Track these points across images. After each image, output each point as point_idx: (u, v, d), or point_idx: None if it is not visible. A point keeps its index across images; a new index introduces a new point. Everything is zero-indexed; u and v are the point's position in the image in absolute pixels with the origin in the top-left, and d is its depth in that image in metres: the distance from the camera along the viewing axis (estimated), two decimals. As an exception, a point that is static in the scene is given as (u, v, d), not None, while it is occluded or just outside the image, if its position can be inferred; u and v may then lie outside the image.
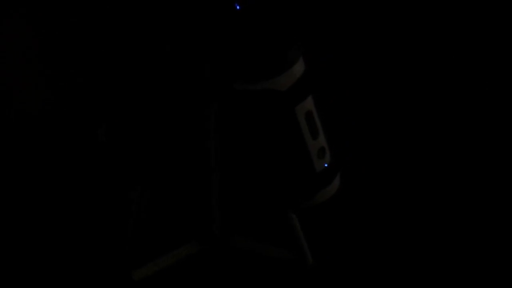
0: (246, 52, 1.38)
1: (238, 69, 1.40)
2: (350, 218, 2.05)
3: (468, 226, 2.02)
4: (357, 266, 1.91)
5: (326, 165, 1.53)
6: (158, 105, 1.58)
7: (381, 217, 2.06)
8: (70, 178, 2.18)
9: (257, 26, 1.40)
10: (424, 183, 2.16)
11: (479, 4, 2.32)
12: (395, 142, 2.29)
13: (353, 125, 2.32)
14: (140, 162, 1.64)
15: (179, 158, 1.99)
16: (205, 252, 1.81)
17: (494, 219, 2.04)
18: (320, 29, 2.33)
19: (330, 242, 1.97)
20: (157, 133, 1.61)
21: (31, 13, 2.17)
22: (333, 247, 1.96)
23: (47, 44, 2.20)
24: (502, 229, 2.01)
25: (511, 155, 2.23)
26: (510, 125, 2.31)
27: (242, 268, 1.87)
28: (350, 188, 2.01)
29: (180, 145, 1.93)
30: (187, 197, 2.07)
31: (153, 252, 1.79)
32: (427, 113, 2.35)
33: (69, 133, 2.24)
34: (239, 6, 1.42)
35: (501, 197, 2.10)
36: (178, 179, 2.06)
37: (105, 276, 1.81)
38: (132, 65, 2.14)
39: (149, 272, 1.72)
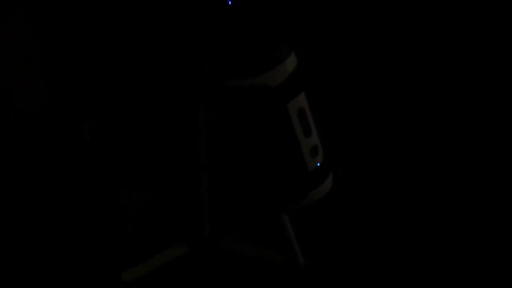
0: (236, 47, 1.37)
1: (228, 65, 1.38)
2: (347, 218, 2.04)
3: (467, 226, 2.01)
4: (352, 267, 1.89)
5: (318, 164, 1.51)
6: (148, 104, 1.58)
7: (379, 217, 2.05)
8: (67, 178, 2.18)
9: (248, 21, 1.39)
10: (423, 183, 2.15)
11: (479, 4, 2.30)
12: (395, 142, 2.27)
13: (353, 125, 2.30)
14: (129, 162, 1.63)
15: (169, 158, 1.98)
16: (196, 254, 1.80)
17: (494, 219, 2.02)
18: (321, 29, 2.32)
19: (325, 243, 1.96)
20: (146, 132, 1.60)
21: (31, 13, 2.17)
22: (328, 248, 1.94)
23: (47, 44, 2.20)
24: (502, 229, 1.99)
25: (506, 157, 2.21)
26: (510, 125, 2.29)
27: (232, 270, 1.85)
28: (349, 188, 2.00)
29: (170, 145, 1.92)
30: (177, 197, 2.06)
31: (143, 253, 1.78)
32: (427, 113, 2.33)
33: (68, 133, 2.24)
34: (231, 1, 1.41)
35: (501, 197, 2.09)
36: (168, 180, 2.05)
37: (95, 277, 1.80)
38: (123, 64, 2.14)
39: (139, 274, 1.71)
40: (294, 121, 1.44)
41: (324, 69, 2.30)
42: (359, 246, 1.96)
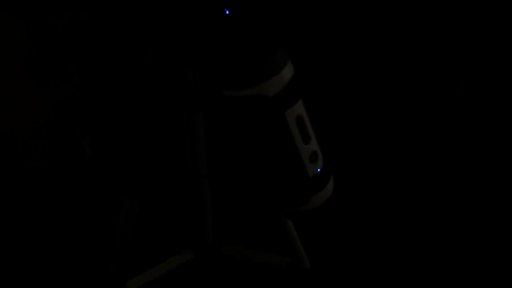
0: (232, 59, 1.37)
1: (226, 76, 1.38)
2: (346, 221, 2.04)
3: (466, 227, 2.01)
4: (355, 269, 1.90)
5: (319, 169, 1.50)
6: (145, 112, 1.57)
7: (378, 219, 2.05)
8: (64, 187, 2.18)
9: (244, 31, 1.39)
10: (421, 186, 2.15)
11: (475, 4, 2.30)
12: (392, 145, 2.28)
13: (349, 127, 2.31)
14: (129, 172, 1.63)
15: (169, 166, 1.98)
16: (200, 260, 1.80)
17: (491, 221, 2.03)
18: (317, 32, 2.32)
19: (327, 245, 1.96)
20: (145, 142, 1.60)
21: (21, 16, 2.16)
22: (330, 250, 1.95)
23: (37, 50, 2.19)
24: (501, 230, 2.00)
25: (505, 157, 2.22)
26: (502, 127, 2.30)
27: (237, 276, 1.85)
28: (347, 190, 2.00)
29: (169, 153, 1.93)
30: (179, 205, 2.06)
31: (147, 261, 1.78)
32: (425, 115, 2.34)
33: (68, 141, 2.24)
34: (228, 11, 1.41)
35: (495, 199, 2.09)
36: (169, 188, 2.05)
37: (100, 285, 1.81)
38: (116, 72, 2.14)
39: (143, 282, 1.71)
40: (292, 129, 1.43)
41: (322, 75, 2.31)
42: (355, 248, 1.96)
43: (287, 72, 1.40)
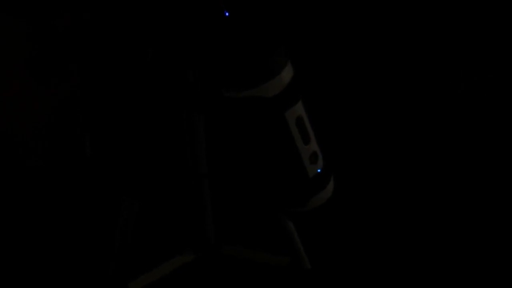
0: (232, 60, 1.37)
1: (225, 77, 1.38)
2: (346, 221, 2.04)
3: (466, 227, 2.01)
4: (355, 269, 1.90)
5: (319, 170, 1.51)
6: (145, 113, 1.57)
7: (378, 220, 2.05)
8: (64, 187, 2.18)
9: (243, 33, 1.39)
10: (421, 186, 2.15)
11: (475, 4, 2.30)
12: (392, 145, 2.28)
13: (349, 127, 2.31)
14: (129, 172, 1.63)
15: (169, 166, 1.98)
16: (200, 260, 1.80)
17: (491, 221, 2.03)
18: (317, 32, 2.32)
19: (327, 245, 1.96)
20: (145, 142, 1.60)
21: (21, 16, 2.16)
22: (330, 251, 1.95)
23: (37, 50, 2.19)
24: (496, 232, 2.00)
25: (505, 157, 2.22)
26: (502, 127, 2.30)
27: (237, 276, 1.86)
28: (347, 191, 2.00)
29: (170, 154, 1.93)
30: (179, 205, 2.06)
31: (148, 262, 1.78)
32: (425, 115, 2.34)
33: (69, 141, 2.24)
34: (228, 13, 1.41)
35: (495, 199, 2.09)
36: (169, 188, 2.06)
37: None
38: (116, 72, 2.14)
39: (145, 283, 1.71)
40: (292, 130, 1.44)
41: (322, 76, 2.31)
42: (355, 249, 1.96)
43: (287, 73, 1.40)
